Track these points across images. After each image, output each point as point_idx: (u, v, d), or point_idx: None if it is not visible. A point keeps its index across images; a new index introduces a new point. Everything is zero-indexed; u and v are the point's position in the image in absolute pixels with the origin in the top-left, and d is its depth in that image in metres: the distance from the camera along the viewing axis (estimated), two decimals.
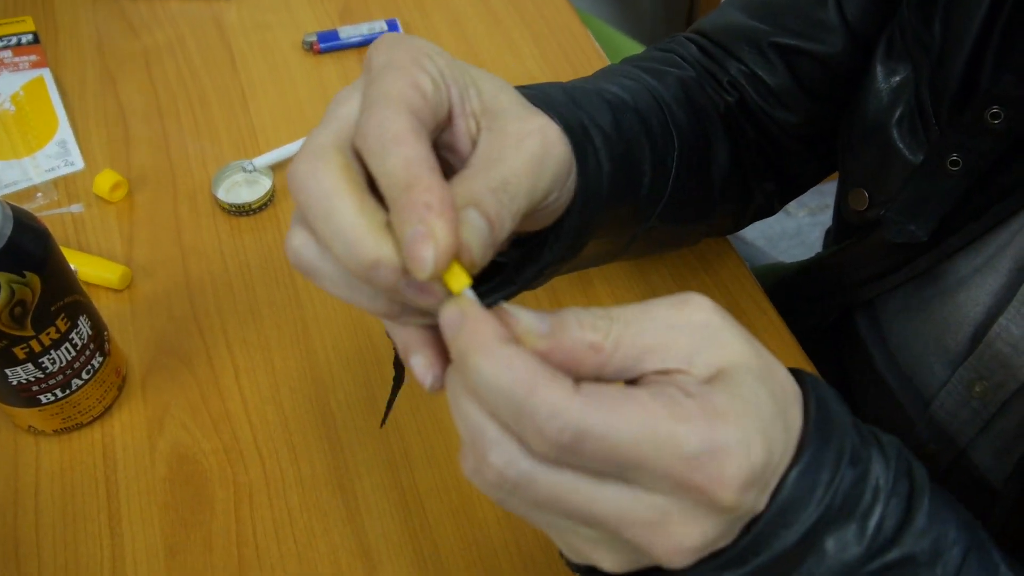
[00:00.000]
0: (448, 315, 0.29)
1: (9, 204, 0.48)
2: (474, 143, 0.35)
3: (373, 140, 0.30)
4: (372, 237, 0.30)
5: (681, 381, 0.30)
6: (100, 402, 0.57)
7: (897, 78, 0.56)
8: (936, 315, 0.60)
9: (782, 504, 0.30)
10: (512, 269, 0.41)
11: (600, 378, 0.30)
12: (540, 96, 0.42)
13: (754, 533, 0.30)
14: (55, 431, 0.57)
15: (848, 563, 0.32)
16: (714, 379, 0.30)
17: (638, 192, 0.49)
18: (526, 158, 0.33)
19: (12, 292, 0.47)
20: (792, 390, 0.32)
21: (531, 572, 0.53)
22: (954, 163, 0.51)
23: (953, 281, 0.58)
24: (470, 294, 0.30)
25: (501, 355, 0.28)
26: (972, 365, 0.57)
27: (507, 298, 0.40)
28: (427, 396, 0.60)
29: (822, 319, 0.69)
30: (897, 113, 0.56)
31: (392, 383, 0.42)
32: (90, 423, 0.58)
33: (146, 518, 0.55)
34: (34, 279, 0.48)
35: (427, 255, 0.28)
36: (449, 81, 0.34)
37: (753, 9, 0.62)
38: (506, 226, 0.32)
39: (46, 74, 0.78)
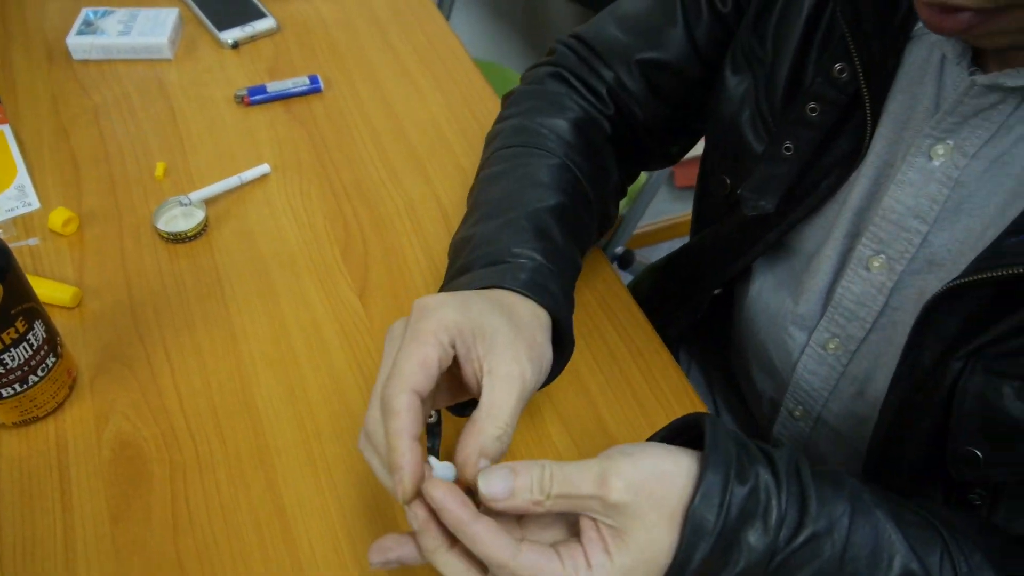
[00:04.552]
0: (433, 498, 0.46)
1: None
2: (478, 380, 0.51)
3: (386, 405, 0.49)
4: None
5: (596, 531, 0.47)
6: (54, 398, 0.67)
7: (743, 86, 0.69)
8: (793, 289, 0.72)
9: (692, 527, 0.46)
10: None
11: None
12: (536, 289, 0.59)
13: (677, 552, 0.46)
14: (14, 423, 0.66)
15: (765, 551, 0.47)
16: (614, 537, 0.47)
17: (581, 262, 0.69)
18: (513, 401, 0.50)
19: None
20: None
21: None
22: (787, 149, 0.65)
23: (804, 258, 0.70)
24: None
25: (474, 528, 0.45)
26: (825, 327, 0.69)
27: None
28: (333, 387, 0.70)
29: (697, 306, 0.81)
30: (746, 113, 0.69)
31: None
32: (45, 417, 0.67)
33: (93, 492, 0.64)
34: None
35: (400, 494, 0.47)
36: (457, 343, 0.51)
37: (625, 25, 0.76)
38: (506, 447, 0.49)
39: (6, 129, 0.89)
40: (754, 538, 0.47)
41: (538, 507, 0.46)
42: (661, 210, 2.13)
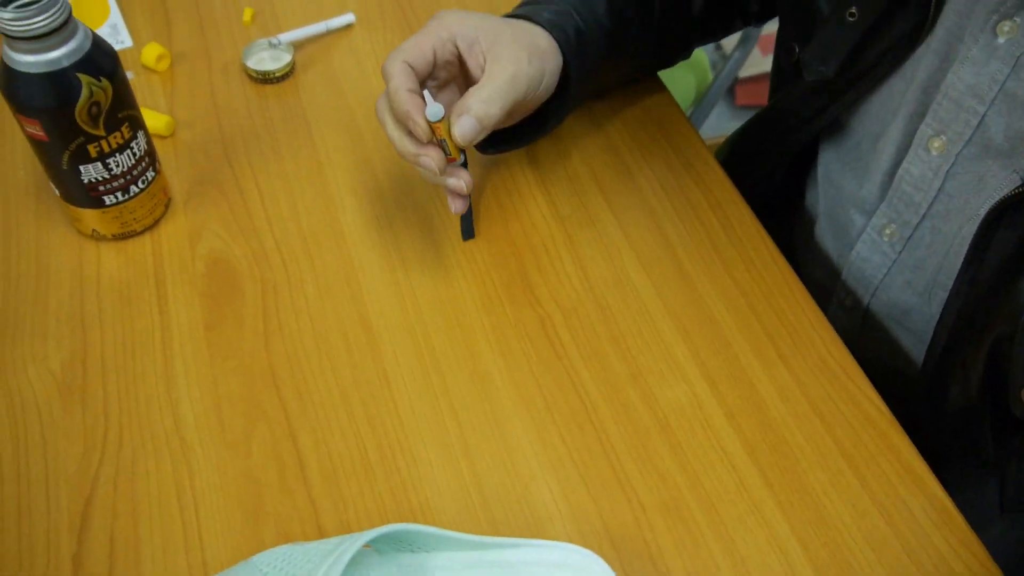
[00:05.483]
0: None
1: (88, 27, 0.60)
2: (483, 70, 0.61)
3: (384, 74, 0.60)
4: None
5: None
6: (151, 214, 0.69)
7: None
8: (858, 171, 0.72)
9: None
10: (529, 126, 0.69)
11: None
12: (550, 22, 0.66)
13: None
14: (113, 235, 0.69)
15: None
16: None
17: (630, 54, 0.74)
18: (507, 75, 0.60)
19: (91, 92, 0.59)
20: None
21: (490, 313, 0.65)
22: (851, 14, 0.63)
23: (870, 139, 0.70)
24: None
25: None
26: (884, 211, 0.69)
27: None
28: (416, 215, 0.72)
29: (767, 177, 0.81)
30: None
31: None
32: (142, 232, 0.70)
33: (188, 302, 0.67)
34: (107, 85, 0.60)
35: (419, 135, 0.59)
36: (458, 39, 0.61)
37: None
38: (492, 116, 0.59)
39: None
40: None
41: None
42: (720, 127, 2.11)
